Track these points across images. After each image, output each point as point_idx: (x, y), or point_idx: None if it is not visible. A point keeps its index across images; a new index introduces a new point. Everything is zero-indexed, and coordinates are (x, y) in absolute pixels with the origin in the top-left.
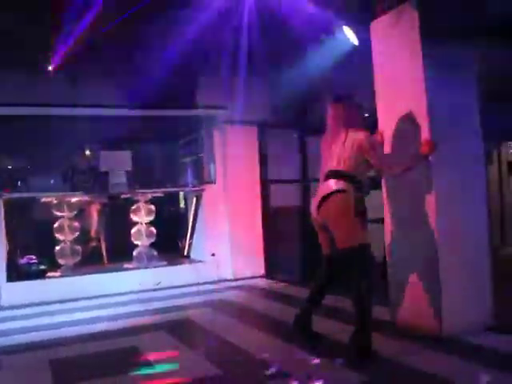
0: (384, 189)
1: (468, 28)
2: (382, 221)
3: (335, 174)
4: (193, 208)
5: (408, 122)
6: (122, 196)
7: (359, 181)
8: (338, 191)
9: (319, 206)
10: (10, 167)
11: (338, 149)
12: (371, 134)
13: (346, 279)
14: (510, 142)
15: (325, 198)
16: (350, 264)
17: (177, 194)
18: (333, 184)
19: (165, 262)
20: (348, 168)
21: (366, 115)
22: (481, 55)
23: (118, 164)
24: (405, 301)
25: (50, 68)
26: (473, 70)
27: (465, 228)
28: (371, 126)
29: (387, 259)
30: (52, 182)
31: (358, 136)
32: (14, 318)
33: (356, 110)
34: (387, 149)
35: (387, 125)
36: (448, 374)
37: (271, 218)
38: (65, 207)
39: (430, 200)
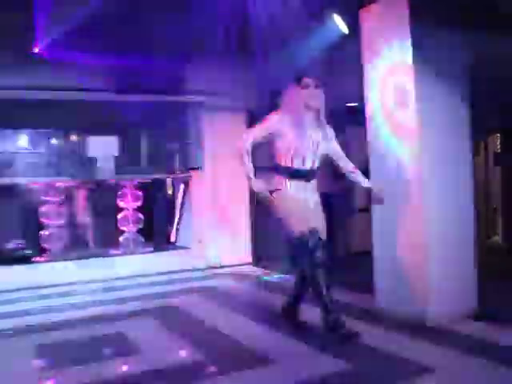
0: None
1: (460, 18)
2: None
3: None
4: (180, 194)
5: (399, 110)
6: (109, 181)
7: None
8: None
9: None
10: None
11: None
12: None
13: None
14: (496, 134)
15: None
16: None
17: (164, 180)
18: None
19: (151, 249)
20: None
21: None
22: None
23: (105, 149)
24: (390, 289)
25: (36, 51)
26: (464, 60)
27: (452, 218)
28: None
29: (374, 248)
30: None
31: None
32: None
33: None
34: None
35: (376, 110)
36: (429, 362)
37: (259, 206)
38: (51, 192)
39: (418, 191)
